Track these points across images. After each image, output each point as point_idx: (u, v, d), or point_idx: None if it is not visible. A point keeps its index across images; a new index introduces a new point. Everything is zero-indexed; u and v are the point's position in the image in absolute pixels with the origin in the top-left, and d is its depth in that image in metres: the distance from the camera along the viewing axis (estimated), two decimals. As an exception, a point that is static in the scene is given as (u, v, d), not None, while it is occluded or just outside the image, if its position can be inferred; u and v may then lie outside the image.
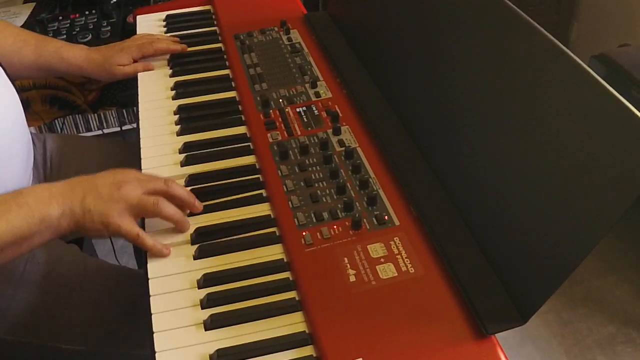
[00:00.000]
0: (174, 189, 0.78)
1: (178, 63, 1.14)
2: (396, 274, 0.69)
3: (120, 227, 0.73)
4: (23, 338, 0.89)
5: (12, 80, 0.95)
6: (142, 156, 0.92)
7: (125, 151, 1.19)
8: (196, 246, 0.76)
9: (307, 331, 0.65)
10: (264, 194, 0.83)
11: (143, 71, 1.12)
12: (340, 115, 0.93)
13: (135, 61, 1.13)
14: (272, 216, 0.80)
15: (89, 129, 2.02)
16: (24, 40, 1.08)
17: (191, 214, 0.80)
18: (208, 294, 0.70)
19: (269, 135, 0.91)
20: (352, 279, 0.68)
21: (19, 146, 0.94)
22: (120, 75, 1.11)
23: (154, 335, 0.66)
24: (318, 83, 1.01)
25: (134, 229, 0.74)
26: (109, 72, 1.11)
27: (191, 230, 0.78)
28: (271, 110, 0.96)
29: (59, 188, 0.74)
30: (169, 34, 1.23)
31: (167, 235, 0.78)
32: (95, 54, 1.12)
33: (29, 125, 1.01)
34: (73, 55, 1.10)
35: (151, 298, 0.70)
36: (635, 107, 0.54)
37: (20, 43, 1.08)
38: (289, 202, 0.79)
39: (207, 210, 0.81)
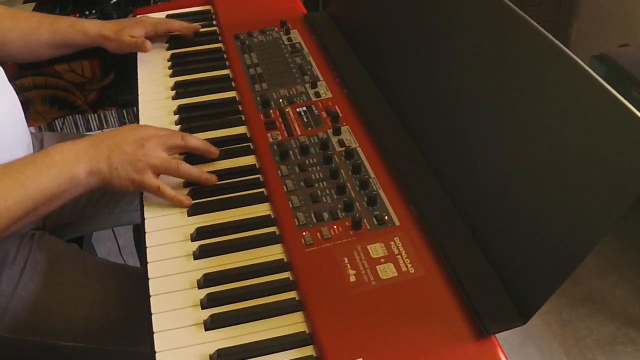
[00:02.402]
0: (191, 142, 0.85)
1: (178, 63, 1.14)
2: (396, 274, 0.69)
3: (144, 181, 0.80)
4: (23, 336, 0.89)
5: (12, 80, 0.95)
6: (142, 156, 0.92)
7: None
8: (196, 246, 0.76)
9: (307, 331, 0.65)
10: (264, 194, 0.83)
11: (146, 51, 1.13)
12: (341, 115, 0.93)
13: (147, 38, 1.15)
14: (272, 216, 0.80)
15: (89, 129, 2.01)
16: (38, 21, 1.11)
17: (191, 214, 0.80)
18: (208, 294, 0.70)
19: (269, 135, 0.91)
20: (352, 279, 0.68)
21: (19, 147, 0.94)
22: (127, 44, 1.12)
23: (154, 335, 0.66)
24: (318, 83, 1.01)
25: (155, 182, 0.81)
26: (119, 41, 1.12)
27: (191, 230, 0.78)
28: (271, 110, 0.96)
29: (84, 147, 0.79)
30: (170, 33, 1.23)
31: (167, 235, 0.78)
32: (111, 23, 1.14)
33: (29, 126, 1.02)
34: (88, 26, 1.12)
35: (151, 298, 0.70)
36: (635, 107, 0.54)
37: (35, 23, 1.10)
38: (289, 202, 0.79)
39: (208, 210, 0.81)
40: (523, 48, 0.67)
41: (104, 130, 1.99)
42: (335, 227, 0.75)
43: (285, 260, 0.74)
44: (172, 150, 0.84)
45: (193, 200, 0.82)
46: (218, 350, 0.64)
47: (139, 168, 0.79)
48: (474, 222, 0.72)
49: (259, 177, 0.86)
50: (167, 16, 1.30)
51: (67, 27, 1.12)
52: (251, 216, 0.80)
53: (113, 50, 1.14)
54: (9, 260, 0.91)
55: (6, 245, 0.93)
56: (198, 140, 0.87)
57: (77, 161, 0.77)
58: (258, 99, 0.99)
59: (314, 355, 0.63)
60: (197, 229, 0.78)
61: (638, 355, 1.56)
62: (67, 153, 0.78)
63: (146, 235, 0.79)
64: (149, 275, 0.73)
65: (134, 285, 0.95)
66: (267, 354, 0.63)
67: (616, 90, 0.56)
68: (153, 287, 0.72)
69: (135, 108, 1.06)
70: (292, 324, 0.66)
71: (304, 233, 0.74)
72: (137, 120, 1.01)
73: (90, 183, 0.79)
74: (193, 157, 0.88)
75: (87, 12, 1.53)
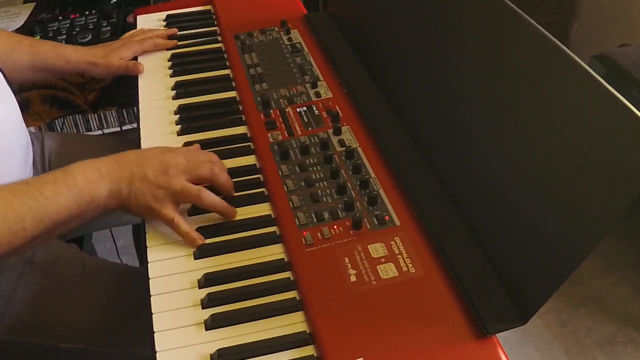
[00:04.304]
0: (219, 178, 0.80)
1: (178, 63, 1.14)
2: (397, 274, 0.69)
3: (160, 212, 0.76)
4: (22, 337, 0.89)
5: (10, 81, 0.95)
6: (142, 156, 0.92)
7: (125, 149, 1.18)
8: (197, 246, 0.76)
9: (307, 331, 0.65)
10: (265, 194, 0.83)
11: (140, 72, 1.11)
12: (341, 115, 0.94)
13: (134, 58, 1.14)
14: (272, 216, 0.80)
15: (89, 129, 2.01)
16: (17, 42, 1.07)
17: (192, 214, 0.81)
18: (209, 294, 0.70)
19: (269, 135, 0.91)
20: (353, 278, 0.69)
21: (18, 147, 0.94)
22: (118, 67, 1.10)
23: (155, 335, 0.66)
24: (318, 83, 1.01)
25: (171, 214, 0.76)
26: (108, 65, 1.09)
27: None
28: (272, 110, 0.96)
29: (107, 167, 0.76)
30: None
31: (168, 235, 0.78)
32: (95, 49, 1.11)
33: (29, 126, 1.02)
34: (70, 52, 1.09)
35: (152, 298, 0.71)
36: (635, 107, 0.54)
37: (14, 44, 1.07)
38: (290, 202, 0.79)
39: (208, 210, 0.81)
40: (523, 48, 0.67)
41: (104, 131, 1.99)
42: (335, 227, 0.75)
43: (286, 260, 0.74)
44: (196, 181, 0.79)
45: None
46: (218, 350, 0.64)
47: (158, 197, 0.76)
48: (474, 222, 0.72)
49: (259, 177, 0.86)
50: (167, 16, 1.30)
51: (49, 51, 1.08)
52: (251, 216, 0.80)
53: (100, 76, 1.11)
54: (7, 261, 0.91)
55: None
56: (227, 178, 0.81)
57: (99, 182, 0.74)
58: (258, 99, 0.99)
59: (315, 355, 0.63)
60: (197, 228, 0.78)
61: (638, 355, 1.56)
62: (90, 174, 0.74)
63: (146, 235, 0.79)
64: (150, 275, 0.73)
65: (133, 286, 0.95)
66: (267, 354, 0.63)
67: (616, 90, 0.56)
68: (153, 286, 0.72)
69: (135, 108, 1.06)
70: (293, 323, 0.66)
71: (304, 233, 0.74)
72: (137, 120, 1.01)
73: (109, 204, 0.76)
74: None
75: (87, 12, 1.53)
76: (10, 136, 0.92)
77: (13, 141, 0.92)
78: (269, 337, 0.65)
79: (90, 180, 0.74)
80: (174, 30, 1.21)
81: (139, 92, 1.08)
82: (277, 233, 0.77)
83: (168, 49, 1.18)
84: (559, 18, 2.34)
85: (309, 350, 0.64)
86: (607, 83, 0.57)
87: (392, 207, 0.77)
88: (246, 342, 0.64)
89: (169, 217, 0.76)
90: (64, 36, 1.44)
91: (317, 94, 0.99)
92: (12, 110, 0.94)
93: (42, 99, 1.46)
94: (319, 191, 0.80)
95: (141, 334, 0.78)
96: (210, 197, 0.78)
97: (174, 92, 1.06)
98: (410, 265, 0.70)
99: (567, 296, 1.70)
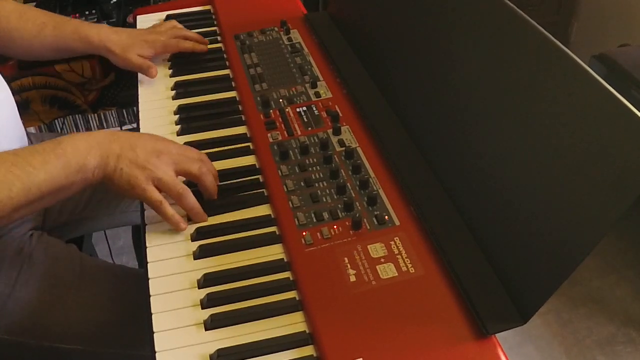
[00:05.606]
0: (205, 179, 0.80)
1: (178, 63, 1.14)
2: (396, 274, 0.69)
3: (145, 192, 0.76)
4: (20, 338, 0.89)
5: (11, 81, 0.95)
6: (142, 156, 0.92)
7: None
8: (196, 246, 0.76)
9: (307, 331, 0.65)
10: (264, 194, 0.83)
11: (152, 76, 1.10)
12: (341, 115, 0.94)
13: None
14: (272, 216, 0.80)
15: (88, 129, 2.01)
16: (43, 22, 1.09)
17: None
18: (208, 294, 0.70)
19: (269, 135, 0.91)
20: (353, 278, 0.68)
21: (12, 140, 0.93)
22: (133, 64, 1.09)
23: (154, 335, 0.66)
24: (318, 83, 1.01)
25: (158, 196, 0.76)
26: (125, 59, 1.09)
27: (191, 230, 0.78)
28: (271, 110, 0.96)
29: (97, 140, 0.76)
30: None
31: (167, 235, 0.78)
32: (120, 34, 1.11)
33: (29, 126, 1.02)
34: (93, 34, 1.09)
35: (151, 298, 0.71)
36: (635, 107, 0.54)
37: (40, 25, 1.08)
38: (289, 202, 0.79)
39: (208, 210, 0.81)
40: (523, 48, 0.67)
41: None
42: (335, 227, 0.75)
43: (286, 260, 0.74)
44: (183, 175, 0.80)
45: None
46: (218, 350, 0.64)
47: (143, 176, 0.76)
48: (474, 222, 0.72)
49: (259, 177, 0.86)
50: (167, 16, 1.30)
51: (71, 33, 1.09)
52: (251, 216, 0.80)
53: (116, 64, 1.11)
54: (6, 260, 0.91)
55: (4, 245, 0.93)
56: (212, 183, 0.81)
57: (88, 152, 0.74)
58: (258, 99, 0.99)
59: (314, 355, 0.63)
60: (197, 228, 0.78)
61: (638, 355, 1.56)
62: (80, 143, 0.75)
63: (146, 235, 0.79)
64: (149, 275, 0.73)
65: (131, 287, 0.95)
66: (267, 354, 0.63)
67: (616, 90, 0.56)
68: (153, 287, 0.72)
69: (135, 108, 1.06)
70: (292, 323, 0.66)
71: (304, 233, 0.74)
72: (137, 120, 1.01)
73: (95, 176, 0.75)
74: None
75: (87, 12, 1.53)
76: (4, 128, 0.91)
77: (7, 135, 0.92)
78: (269, 337, 0.65)
79: (79, 150, 0.74)
80: (205, 41, 1.18)
81: (139, 92, 1.08)
82: (277, 233, 0.77)
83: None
84: (559, 18, 2.34)
85: (308, 350, 0.64)
86: (607, 83, 0.57)
87: (392, 207, 0.77)
88: (246, 342, 0.64)
89: (156, 198, 0.76)
90: (64, 36, 1.44)
91: (317, 94, 0.99)
92: (6, 102, 0.93)
93: (42, 99, 1.46)
94: (319, 191, 0.80)
95: (140, 335, 0.78)
96: (190, 199, 0.78)
97: (174, 92, 1.06)
98: (409, 266, 0.70)
99: (567, 296, 1.70)
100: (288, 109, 0.96)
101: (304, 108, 0.96)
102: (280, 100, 0.98)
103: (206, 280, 0.71)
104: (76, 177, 0.74)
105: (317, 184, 0.81)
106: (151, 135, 0.82)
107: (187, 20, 1.28)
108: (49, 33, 1.09)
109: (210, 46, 1.19)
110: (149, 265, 0.75)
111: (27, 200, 0.71)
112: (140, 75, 1.12)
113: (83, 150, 0.74)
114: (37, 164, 0.71)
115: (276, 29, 1.18)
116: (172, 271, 0.74)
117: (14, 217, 0.72)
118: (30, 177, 0.71)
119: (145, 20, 1.30)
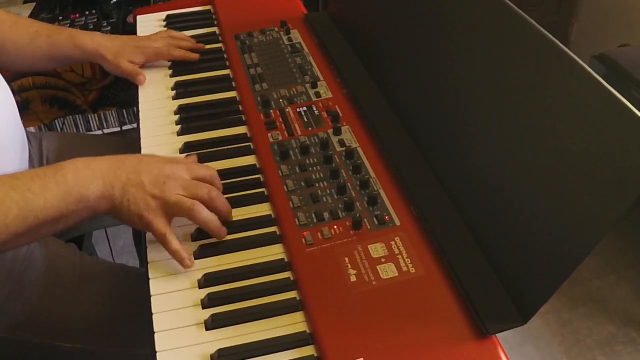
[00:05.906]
0: (216, 203, 0.76)
1: (178, 63, 1.14)
2: (397, 274, 0.69)
3: (152, 223, 0.73)
4: (21, 336, 0.89)
5: (11, 81, 0.95)
6: (142, 156, 0.92)
7: (125, 149, 1.18)
8: (197, 245, 0.76)
9: (307, 331, 0.65)
10: (265, 194, 0.83)
11: (140, 84, 1.09)
12: (341, 115, 0.94)
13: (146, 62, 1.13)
14: (272, 216, 0.80)
15: (89, 129, 2.01)
16: (36, 32, 1.08)
17: (195, 239, 0.79)
18: (209, 294, 0.70)
19: (269, 135, 0.91)
20: (353, 278, 0.69)
21: (12, 140, 0.93)
22: (123, 70, 1.09)
23: (155, 335, 0.66)
24: (318, 83, 1.01)
25: (164, 228, 0.73)
26: (116, 65, 1.08)
27: (192, 229, 0.78)
28: (271, 110, 0.96)
29: (102, 167, 0.72)
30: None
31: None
32: (113, 41, 1.10)
33: (29, 126, 1.01)
34: (87, 42, 1.08)
35: (152, 298, 0.71)
36: (635, 107, 0.54)
37: (33, 35, 1.07)
38: (290, 202, 0.79)
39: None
40: (523, 48, 0.67)
41: (104, 131, 1.99)
42: (335, 227, 0.75)
43: (286, 260, 0.74)
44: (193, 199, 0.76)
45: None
46: (219, 350, 0.64)
47: (151, 207, 0.72)
48: (474, 222, 0.72)
49: (259, 177, 0.86)
50: (167, 16, 1.30)
51: (64, 40, 1.08)
52: (251, 216, 0.80)
53: (108, 70, 1.10)
54: (6, 259, 0.91)
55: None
56: (225, 203, 0.77)
57: (91, 182, 0.71)
58: (258, 98, 0.99)
59: (315, 355, 0.63)
60: (198, 228, 0.78)
61: (638, 355, 1.56)
62: (83, 171, 0.71)
63: (146, 234, 0.79)
64: (150, 275, 0.73)
65: (131, 286, 0.95)
66: (267, 354, 0.63)
67: (616, 90, 0.56)
68: (153, 286, 0.72)
69: (135, 108, 1.06)
70: (293, 323, 0.66)
71: (304, 233, 0.74)
72: (137, 120, 1.01)
73: (100, 206, 0.72)
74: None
75: (87, 12, 1.53)
76: (4, 128, 0.91)
77: (7, 134, 0.92)
78: (269, 337, 0.65)
79: (81, 178, 0.70)
80: (201, 46, 1.17)
81: (139, 92, 1.08)
82: (277, 233, 0.77)
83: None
84: (559, 18, 2.34)
85: (309, 350, 0.64)
86: (607, 83, 0.57)
87: (392, 207, 0.77)
88: (246, 342, 0.64)
89: (160, 231, 0.73)
90: (64, 36, 1.44)
91: (317, 94, 0.99)
92: (6, 101, 0.93)
93: (42, 99, 1.46)
94: (319, 191, 0.80)
95: (140, 334, 0.78)
96: (204, 213, 0.74)
97: (174, 92, 1.06)
98: (410, 265, 0.70)
99: (567, 296, 1.70)
100: (288, 109, 0.96)
101: (304, 108, 0.96)
102: (281, 100, 0.98)
103: (207, 280, 0.71)
104: (77, 207, 0.70)
105: (317, 184, 0.81)
106: (157, 157, 0.79)
107: (187, 20, 1.28)
108: (42, 41, 1.07)
109: (210, 46, 1.19)
110: (149, 265, 0.75)
111: (23, 229, 0.67)
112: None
113: (85, 179, 0.71)
114: (37, 190, 0.68)
115: (276, 29, 1.18)
116: (173, 271, 0.74)
117: (7, 246, 0.69)
118: (28, 203, 0.67)
119: (145, 20, 1.30)
